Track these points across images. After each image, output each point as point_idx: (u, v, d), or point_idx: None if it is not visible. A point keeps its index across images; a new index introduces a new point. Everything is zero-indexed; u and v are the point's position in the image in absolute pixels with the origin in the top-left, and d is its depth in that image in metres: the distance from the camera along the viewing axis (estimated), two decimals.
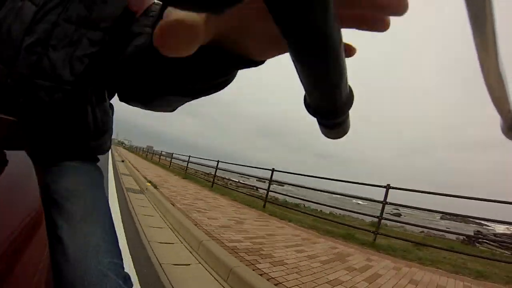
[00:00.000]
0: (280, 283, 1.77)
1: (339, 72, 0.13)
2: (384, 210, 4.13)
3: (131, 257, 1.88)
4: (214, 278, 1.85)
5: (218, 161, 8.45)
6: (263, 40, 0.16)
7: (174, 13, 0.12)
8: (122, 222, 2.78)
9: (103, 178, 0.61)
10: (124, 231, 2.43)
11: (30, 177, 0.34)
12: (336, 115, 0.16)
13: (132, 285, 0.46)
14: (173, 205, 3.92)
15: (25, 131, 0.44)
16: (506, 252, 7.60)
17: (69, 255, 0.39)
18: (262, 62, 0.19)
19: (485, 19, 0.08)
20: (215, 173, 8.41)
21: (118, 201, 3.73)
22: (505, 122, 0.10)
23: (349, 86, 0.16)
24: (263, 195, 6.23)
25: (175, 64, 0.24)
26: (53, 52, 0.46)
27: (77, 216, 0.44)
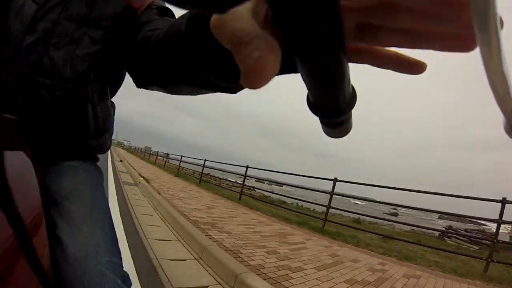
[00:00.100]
0: (217, 240, 2.56)
1: (342, 72, 0.13)
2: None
3: (123, 224, 2.81)
4: (174, 234, 2.91)
5: (205, 160, 9.40)
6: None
7: (257, 48, 0.12)
8: (118, 205, 3.69)
9: (103, 177, 0.61)
10: (119, 209, 3.43)
11: (30, 177, 0.34)
12: (339, 114, 0.16)
13: (131, 284, 0.46)
14: (159, 194, 4.81)
15: (26, 130, 0.44)
16: (474, 246, 8.11)
17: (69, 255, 0.39)
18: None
19: (488, 16, 0.08)
20: (202, 171, 9.27)
21: (116, 192, 4.67)
22: (508, 121, 0.10)
23: (352, 86, 0.16)
24: (250, 192, 6.75)
25: (190, 54, 0.24)
26: (54, 51, 0.45)
27: (77, 216, 0.44)
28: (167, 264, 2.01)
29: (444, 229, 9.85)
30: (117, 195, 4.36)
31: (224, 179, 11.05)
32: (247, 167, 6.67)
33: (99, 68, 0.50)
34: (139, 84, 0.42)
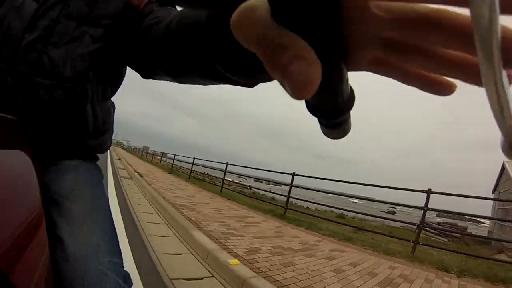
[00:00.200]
0: (186, 215, 3.48)
1: (340, 73, 0.13)
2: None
3: (119, 207, 3.57)
4: (155, 210, 3.96)
5: (194, 158, 10.23)
6: None
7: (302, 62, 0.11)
8: (116, 193, 4.65)
9: (103, 177, 0.60)
10: (117, 196, 4.35)
11: (30, 177, 0.34)
12: (337, 114, 0.16)
13: (132, 283, 0.46)
14: (149, 185, 5.87)
15: (25, 130, 0.43)
16: (443, 239, 8.90)
17: (69, 255, 0.39)
18: None
19: (490, 35, 0.07)
20: (191, 167, 10.17)
21: (114, 183, 5.72)
22: (506, 140, 0.10)
23: (350, 86, 0.16)
24: (239, 188, 7.44)
25: (197, 46, 0.25)
26: (54, 50, 0.45)
27: (77, 216, 0.44)
28: (144, 225, 3.05)
29: (418, 223, 10.62)
30: (114, 185, 5.44)
31: (216, 177, 11.66)
32: (227, 164, 7.73)
33: (98, 68, 0.49)
34: (145, 74, 0.42)
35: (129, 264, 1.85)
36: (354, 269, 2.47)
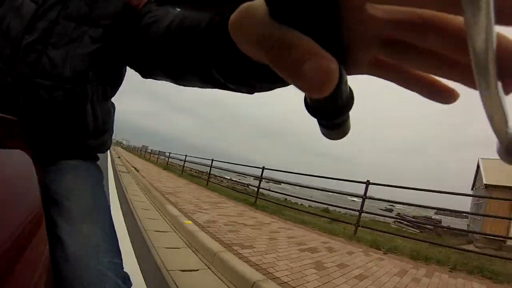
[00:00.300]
0: (168, 199, 4.34)
1: (340, 73, 0.13)
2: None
3: (117, 194, 4.45)
4: (144, 195, 5.00)
5: (186, 155, 11.34)
6: None
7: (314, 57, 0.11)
8: (114, 184, 5.51)
9: (103, 177, 0.60)
10: (115, 186, 5.26)
11: (30, 177, 0.34)
12: (336, 115, 0.16)
13: (131, 284, 0.46)
14: (144, 177, 6.90)
15: (25, 130, 0.43)
16: (415, 230, 9.93)
17: (69, 255, 0.39)
18: None
19: (484, 39, 0.08)
20: (183, 164, 11.30)
21: (113, 177, 6.61)
22: (502, 145, 0.10)
23: (349, 87, 0.16)
24: (235, 185, 8.16)
25: (194, 48, 0.25)
26: (53, 50, 0.45)
27: (77, 216, 0.44)
28: (135, 203, 4.05)
29: (395, 216, 11.60)
30: (114, 179, 6.33)
31: (209, 174, 12.63)
32: (212, 160, 8.66)
33: (98, 68, 0.49)
34: (144, 73, 0.42)
35: (121, 228, 2.65)
36: (287, 239, 3.05)
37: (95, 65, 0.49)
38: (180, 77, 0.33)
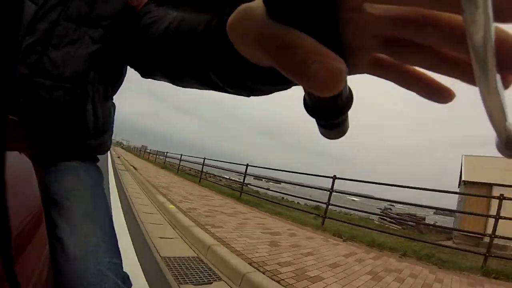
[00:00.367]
0: (160, 192, 4.96)
1: None
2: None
3: (117, 187, 5.19)
4: (140, 188, 5.72)
5: (181, 155, 12.20)
6: None
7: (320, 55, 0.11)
8: (114, 179, 6.21)
9: (103, 178, 0.60)
10: (114, 181, 5.97)
11: (30, 177, 0.34)
12: (335, 115, 0.16)
13: (131, 285, 0.46)
14: (141, 174, 7.72)
15: (26, 130, 0.43)
16: (397, 226, 10.41)
17: (69, 255, 0.39)
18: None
19: (483, 35, 0.08)
20: (179, 163, 11.94)
21: (113, 174, 7.26)
22: (500, 139, 0.10)
23: (349, 87, 0.16)
24: (232, 184, 9.19)
25: (193, 50, 0.25)
26: (54, 51, 0.45)
27: (77, 216, 0.44)
28: (131, 193, 4.77)
29: (382, 214, 12.20)
30: (114, 176, 6.96)
31: (201, 171, 13.12)
32: (204, 158, 9.29)
33: (99, 68, 0.49)
34: (144, 73, 0.42)
35: (117, 208, 3.34)
36: (257, 225, 3.48)
37: (96, 66, 0.49)
38: (178, 79, 0.33)
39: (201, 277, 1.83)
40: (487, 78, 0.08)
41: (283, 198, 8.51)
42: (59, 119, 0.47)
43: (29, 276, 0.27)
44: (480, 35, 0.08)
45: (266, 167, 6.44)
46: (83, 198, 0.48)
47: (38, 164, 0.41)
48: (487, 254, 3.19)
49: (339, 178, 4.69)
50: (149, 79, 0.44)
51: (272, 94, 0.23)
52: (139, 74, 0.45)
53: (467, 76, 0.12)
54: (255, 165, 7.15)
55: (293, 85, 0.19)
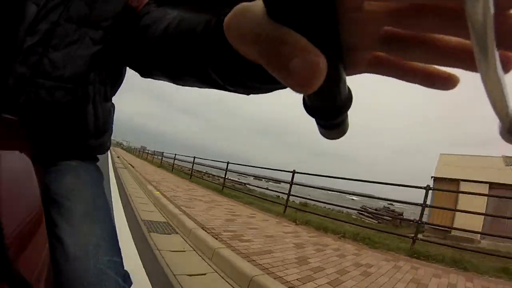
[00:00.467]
0: (153, 185, 5.88)
1: (338, 73, 0.13)
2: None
3: (116, 181, 6.08)
4: (135, 182, 6.69)
5: (175, 154, 12.95)
6: None
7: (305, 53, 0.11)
8: (114, 177, 6.86)
9: (103, 177, 0.61)
10: (114, 177, 6.69)
11: (30, 177, 0.34)
12: (335, 115, 0.16)
13: (131, 283, 0.46)
14: (137, 172, 8.68)
15: (26, 130, 0.43)
16: (374, 220, 11.40)
17: (69, 255, 0.39)
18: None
19: (483, 20, 0.08)
20: (173, 162, 12.68)
21: (113, 171, 8.07)
22: (503, 125, 0.10)
23: (348, 87, 0.16)
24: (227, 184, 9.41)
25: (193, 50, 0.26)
26: (54, 52, 0.45)
27: (77, 216, 0.44)
28: (129, 186, 5.72)
29: (360, 209, 13.33)
30: (113, 172, 7.82)
31: (203, 172, 12.75)
32: (194, 157, 10.03)
33: (99, 69, 0.50)
34: (143, 73, 0.43)
35: (116, 196, 4.25)
36: (224, 209, 4.16)
37: (96, 66, 0.49)
38: (178, 78, 0.34)
39: (164, 231, 2.88)
40: (487, 62, 0.08)
41: (278, 196, 8.66)
42: (60, 120, 0.48)
43: (29, 276, 0.27)
44: (480, 19, 0.08)
45: (245, 164, 7.14)
46: (83, 198, 0.49)
47: (38, 164, 0.42)
48: (415, 238, 3.64)
49: (298, 173, 5.34)
50: (149, 79, 0.44)
51: (272, 94, 0.23)
52: (138, 75, 0.45)
53: (468, 63, 0.12)
54: (235, 163, 8.09)
55: None
